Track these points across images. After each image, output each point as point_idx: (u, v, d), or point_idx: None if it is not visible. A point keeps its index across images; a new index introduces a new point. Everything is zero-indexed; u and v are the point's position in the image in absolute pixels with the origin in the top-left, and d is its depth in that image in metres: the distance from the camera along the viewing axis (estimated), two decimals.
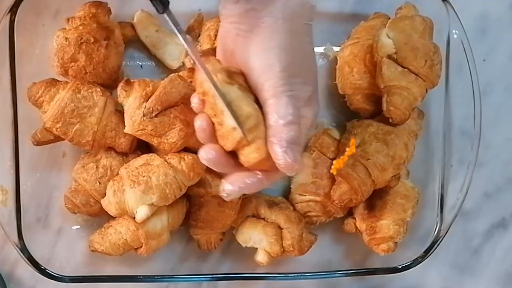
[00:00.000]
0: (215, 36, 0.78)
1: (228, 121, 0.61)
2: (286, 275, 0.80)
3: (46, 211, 0.82)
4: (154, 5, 0.59)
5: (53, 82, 0.76)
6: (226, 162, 0.63)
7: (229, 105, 0.61)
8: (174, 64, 0.82)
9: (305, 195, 0.82)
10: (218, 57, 0.67)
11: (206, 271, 0.84)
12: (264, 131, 0.62)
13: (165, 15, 0.60)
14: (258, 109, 0.62)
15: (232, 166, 0.63)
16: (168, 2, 0.59)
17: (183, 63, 0.82)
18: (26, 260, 0.76)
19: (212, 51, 0.74)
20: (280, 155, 0.60)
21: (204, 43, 0.79)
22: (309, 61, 0.66)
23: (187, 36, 0.80)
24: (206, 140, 0.64)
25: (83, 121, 0.75)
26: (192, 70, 0.78)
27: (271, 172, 0.63)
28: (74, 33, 0.76)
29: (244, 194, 0.73)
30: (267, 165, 0.62)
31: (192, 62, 0.78)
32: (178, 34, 0.60)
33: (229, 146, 0.62)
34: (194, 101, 0.64)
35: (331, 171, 0.76)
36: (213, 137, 0.63)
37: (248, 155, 0.61)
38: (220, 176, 0.77)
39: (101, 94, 0.76)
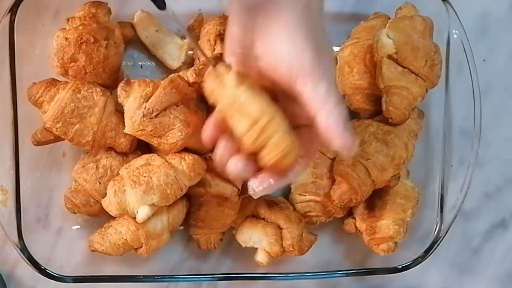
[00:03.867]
0: (215, 41, 0.78)
1: (240, 125, 0.60)
2: (286, 275, 0.80)
3: (46, 211, 0.82)
4: (156, 3, 0.59)
5: (53, 82, 0.76)
6: (251, 168, 0.62)
7: (239, 109, 0.60)
8: (174, 64, 0.82)
9: (305, 195, 0.82)
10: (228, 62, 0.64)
11: (206, 271, 0.84)
12: (281, 125, 0.60)
13: (168, 11, 0.59)
14: (270, 105, 0.60)
15: (256, 171, 0.63)
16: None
17: (183, 63, 0.82)
18: (26, 260, 0.76)
19: (220, 56, 0.72)
20: (342, 135, 0.59)
21: (205, 49, 0.78)
22: (326, 33, 0.63)
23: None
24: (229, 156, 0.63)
25: (83, 121, 0.75)
26: (194, 84, 0.76)
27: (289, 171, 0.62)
28: (74, 33, 0.76)
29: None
30: (288, 162, 0.60)
31: (195, 73, 0.76)
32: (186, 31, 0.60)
33: (245, 149, 0.61)
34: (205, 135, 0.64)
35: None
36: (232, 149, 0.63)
37: (267, 155, 0.60)
38: (220, 176, 0.77)
39: (101, 94, 0.76)
